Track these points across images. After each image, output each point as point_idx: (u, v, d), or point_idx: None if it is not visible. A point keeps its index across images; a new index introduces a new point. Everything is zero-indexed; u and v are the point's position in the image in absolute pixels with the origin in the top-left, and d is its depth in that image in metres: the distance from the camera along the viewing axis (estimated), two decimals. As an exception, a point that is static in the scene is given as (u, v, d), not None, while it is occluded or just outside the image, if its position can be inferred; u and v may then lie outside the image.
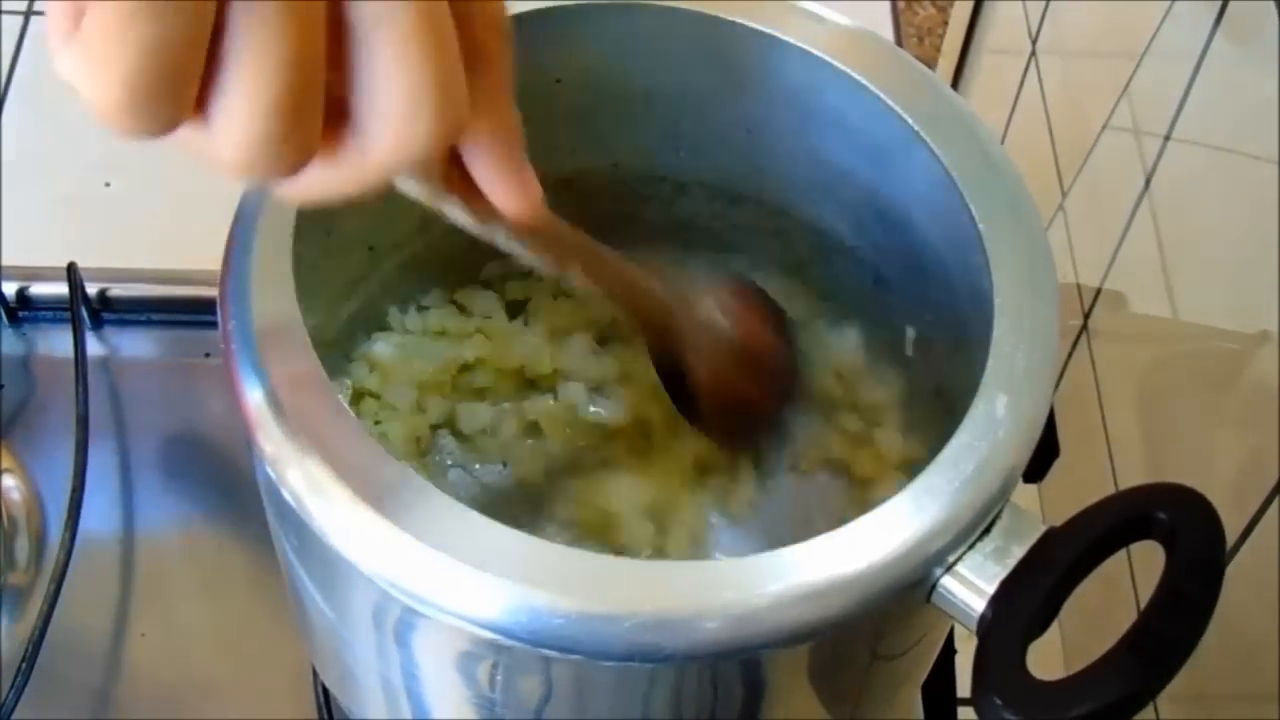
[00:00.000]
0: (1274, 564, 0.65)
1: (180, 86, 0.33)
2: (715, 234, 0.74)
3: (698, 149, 0.70)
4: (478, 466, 0.70)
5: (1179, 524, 0.49)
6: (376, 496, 0.48)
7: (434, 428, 0.70)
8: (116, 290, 0.85)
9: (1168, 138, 0.85)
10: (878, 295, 0.69)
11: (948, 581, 0.49)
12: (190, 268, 0.85)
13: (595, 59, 0.65)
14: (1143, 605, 0.47)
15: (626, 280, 0.61)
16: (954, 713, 0.74)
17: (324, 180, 0.38)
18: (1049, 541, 0.50)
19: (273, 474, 0.49)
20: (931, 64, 1.48)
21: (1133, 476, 0.85)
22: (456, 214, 0.48)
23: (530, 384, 0.72)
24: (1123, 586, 0.78)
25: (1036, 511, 0.51)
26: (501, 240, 0.51)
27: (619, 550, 0.66)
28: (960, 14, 1.40)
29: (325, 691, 0.72)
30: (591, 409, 0.71)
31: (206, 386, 0.82)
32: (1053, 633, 0.50)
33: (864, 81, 0.60)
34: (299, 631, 0.65)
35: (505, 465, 0.69)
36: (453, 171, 0.46)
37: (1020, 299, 0.54)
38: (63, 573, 0.73)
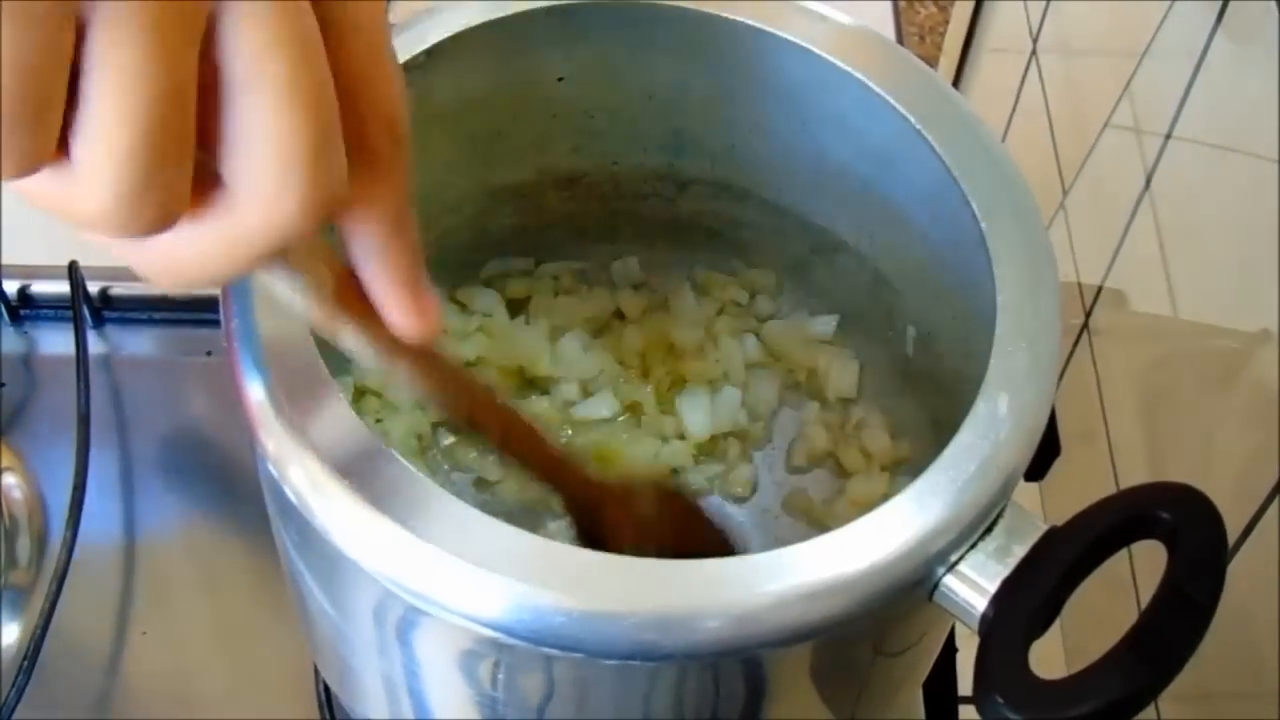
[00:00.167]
0: (1275, 563, 0.65)
1: (37, 115, 0.30)
2: (716, 232, 0.74)
3: (698, 147, 0.70)
4: (479, 464, 0.70)
5: (1180, 523, 0.49)
6: (378, 494, 0.48)
7: (435, 425, 0.70)
8: (118, 288, 0.85)
9: (1169, 136, 0.85)
10: (878, 294, 0.69)
11: (950, 580, 0.49)
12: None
13: (597, 57, 0.65)
14: (1144, 604, 0.47)
15: (546, 453, 0.57)
16: (955, 711, 0.74)
17: (192, 253, 0.35)
18: (1050, 540, 0.50)
19: (274, 472, 0.49)
20: (933, 63, 1.48)
21: (1134, 475, 0.85)
22: (354, 345, 0.45)
23: (530, 383, 0.72)
24: (1124, 586, 0.78)
25: (1038, 511, 0.51)
26: (404, 383, 0.49)
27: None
28: (961, 13, 1.40)
29: (326, 690, 0.72)
30: (586, 408, 0.71)
31: (208, 385, 0.82)
32: (1054, 632, 0.50)
33: (865, 80, 0.60)
34: (300, 630, 0.65)
35: (505, 463, 0.69)
36: (348, 292, 0.43)
37: (1021, 297, 0.54)
38: (64, 571, 0.73)
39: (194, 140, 0.33)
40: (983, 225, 0.56)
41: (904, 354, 0.69)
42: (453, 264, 0.72)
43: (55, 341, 0.84)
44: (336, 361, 0.50)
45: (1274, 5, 0.71)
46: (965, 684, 0.72)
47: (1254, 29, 0.75)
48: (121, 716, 0.73)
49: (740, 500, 0.71)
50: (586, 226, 0.74)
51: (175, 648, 0.75)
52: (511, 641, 0.47)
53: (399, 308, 0.43)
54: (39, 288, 0.85)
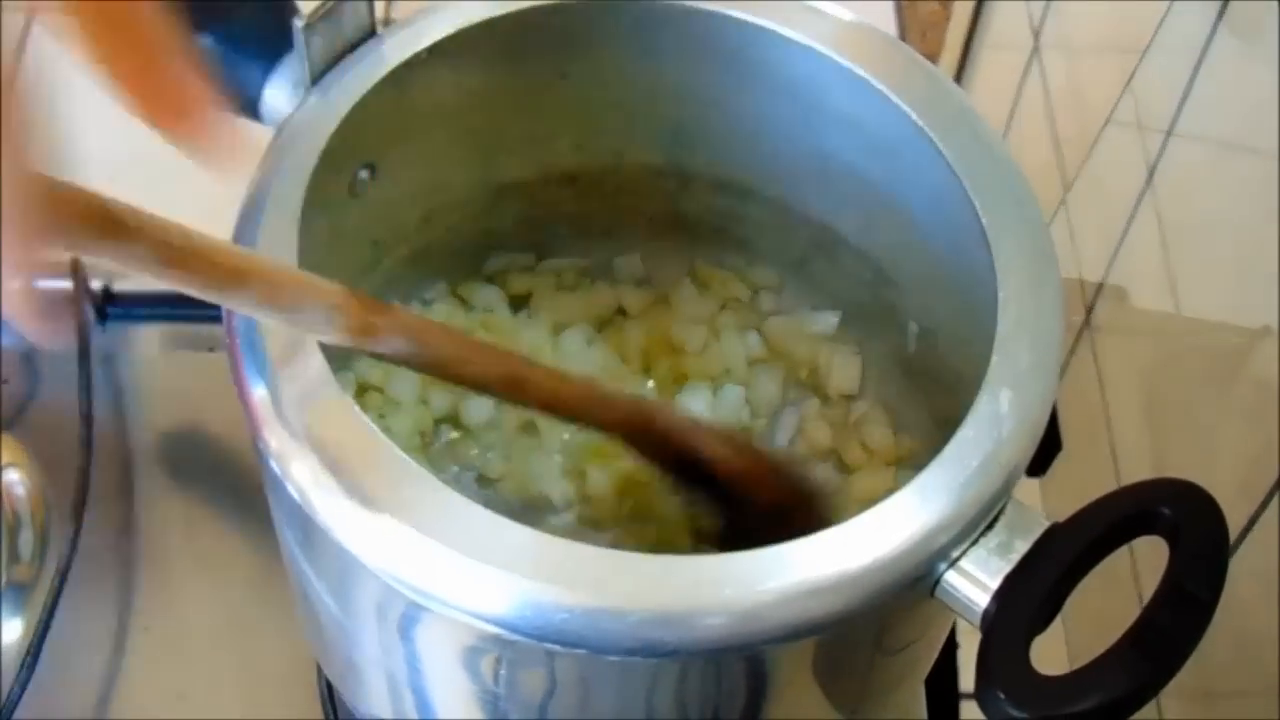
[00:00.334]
0: (1276, 559, 0.65)
1: None
2: (718, 229, 0.74)
3: (701, 144, 0.70)
4: (481, 460, 0.70)
5: (1182, 519, 0.49)
6: (381, 491, 0.48)
7: (438, 421, 0.70)
8: (121, 285, 0.85)
9: (1170, 133, 0.85)
10: (880, 290, 0.69)
11: (951, 577, 0.49)
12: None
13: (600, 54, 0.65)
14: (1146, 601, 0.47)
15: (611, 404, 0.61)
16: (957, 708, 0.74)
17: None
18: (1052, 537, 0.50)
19: (277, 468, 0.49)
20: (934, 59, 1.48)
21: (1136, 472, 0.85)
22: (394, 349, 0.51)
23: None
24: (1126, 582, 0.78)
25: (1039, 507, 0.51)
26: (446, 373, 0.54)
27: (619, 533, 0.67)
28: (963, 9, 1.40)
29: (329, 686, 0.72)
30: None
31: (211, 381, 0.82)
32: (1056, 628, 0.50)
33: (867, 76, 0.60)
34: (303, 626, 0.65)
35: (508, 458, 0.70)
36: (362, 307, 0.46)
37: (1023, 294, 0.54)
38: (67, 567, 0.73)
39: None
40: (984, 221, 0.56)
41: (906, 350, 0.69)
42: (455, 260, 0.72)
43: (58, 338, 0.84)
44: (339, 358, 0.50)
45: (1275, 2, 0.71)
46: (967, 680, 0.72)
47: (1256, 25, 0.75)
48: (124, 713, 0.73)
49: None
50: (589, 223, 0.74)
51: (178, 644, 0.75)
52: (514, 638, 0.47)
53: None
54: (41, 284, 0.85)
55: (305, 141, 0.56)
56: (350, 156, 0.60)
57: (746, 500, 0.64)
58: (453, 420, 0.70)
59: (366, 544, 0.48)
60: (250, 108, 0.61)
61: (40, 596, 0.73)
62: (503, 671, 0.51)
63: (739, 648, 0.48)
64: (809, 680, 0.54)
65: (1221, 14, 0.79)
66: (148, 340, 0.86)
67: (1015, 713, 0.46)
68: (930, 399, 0.68)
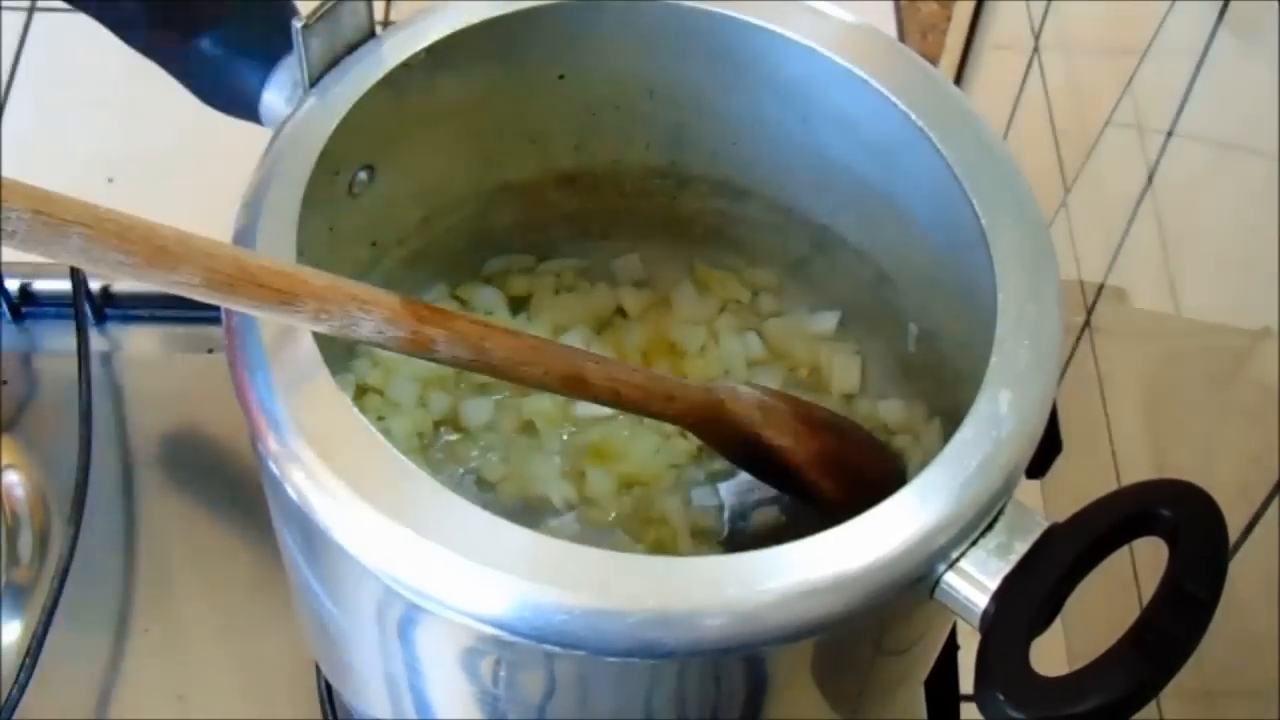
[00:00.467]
0: (1276, 560, 0.65)
1: None
2: (717, 229, 0.74)
3: (700, 144, 0.70)
4: (481, 462, 0.70)
5: (1182, 520, 0.49)
6: (380, 492, 0.48)
7: (437, 424, 0.70)
8: (119, 286, 0.85)
9: (1170, 134, 0.85)
10: (879, 291, 0.69)
11: (951, 578, 0.49)
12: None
13: (598, 54, 0.65)
14: (1145, 602, 0.47)
15: (654, 385, 0.61)
16: (957, 709, 0.74)
17: None
18: (1052, 538, 0.50)
19: (276, 470, 0.49)
20: (934, 60, 1.48)
21: (1135, 472, 0.85)
22: (443, 351, 0.52)
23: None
24: (1126, 583, 0.78)
25: (1039, 508, 0.51)
26: (495, 370, 0.55)
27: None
28: (963, 10, 1.40)
29: (328, 687, 0.72)
30: (588, 405, 0.71)
31: (210, 382, 0.82)
32: (1056, 629, 0.50)
33: (866, 77, 0.60)
34: (302, 627, 0.65)
35: (507, 460, 0.70)
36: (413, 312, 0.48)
37: (1023, 295, 0.54)
38: (66, 569, 0.73)
39: None
40: (984, 223, 0.56)
41: (905, 351, 0.69)
42: (454, 262, 0.72)
43: (57, 339, 0.84)
44: (338, 359, 0.50)
45: (1275, 3, 0.71)
46: (967, 682, 0.71)
47: (1256, 25, 0.75)
48: (123, 714, 0.73)
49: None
50: (588, 224, 0.74)
51: (177, 645, 0.75)
52: (513, 639, 0.47)
53: None
54: (41, 285, 0.85)
55: (304, 142, 0.56)
56: (349, 157, 0.60)
57: (816, 483, 0.64)
58: (452, 422, 0.70)
59: (366, 545, 0.48)
60: (249, 109, 0.61)
61: (40, 598, 0.73)
62: (502, 673, 0.51)
63: (738, 649, 0.48)
64: (808, 681, 0.54)
65: (1222, 15, 0.79)
66: (147, 341, 0.86)
67: (1014, 714, 0.46)
68: (930, 399, 0.68)
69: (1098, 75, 1.03)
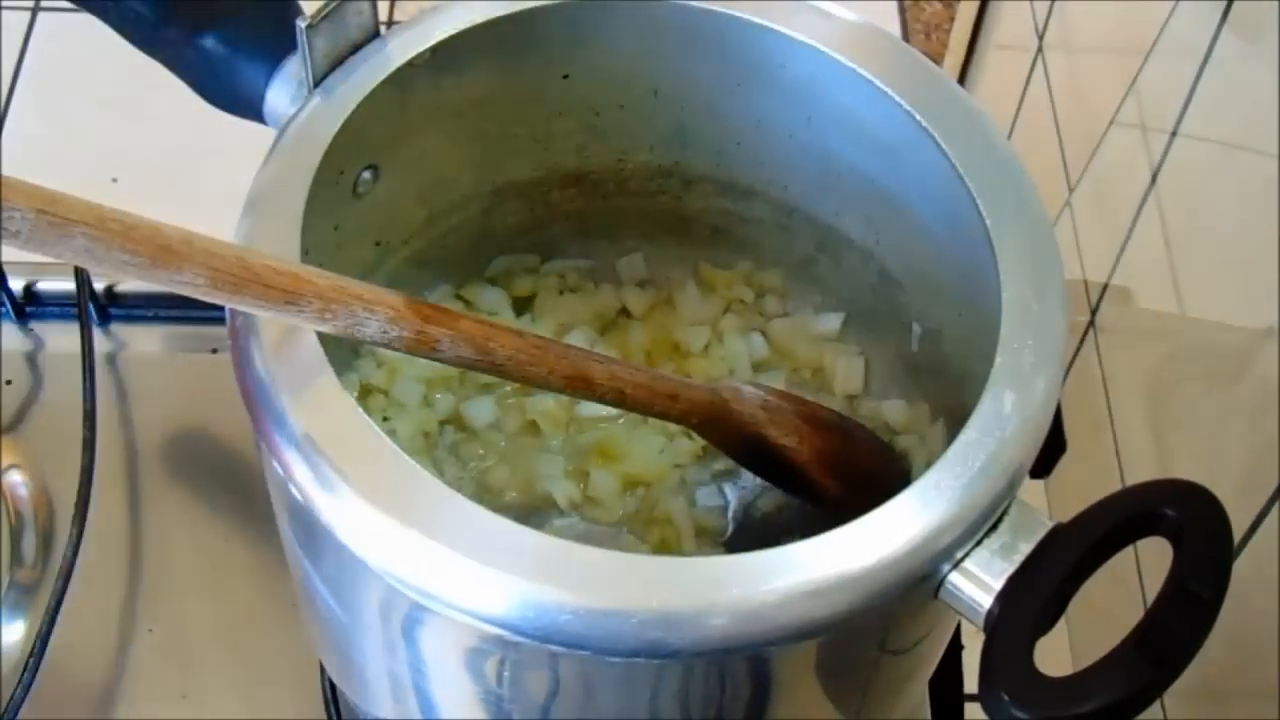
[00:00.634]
0: (1281, 560, 0.65)
1: None
2: (722, 229, 0.74)
3: (704, 144, 0.70)
4: (485, 462, 0.70)
5: (1186, 520, 0.49)
6: (384, 492, 0.48)
7: (441, 423, 0.70)
8: (124, 286, 0.85)
9: (1174, 133, 0.85)
10: (884, 291, 0.69)
11: (955, 578, 0.49)
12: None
13: (603, 54, 0.65)
14: (1150, 602, 0.47)
15: (657, 385, 0.61)
16: (961, 709, 0.74)
17: None
18: (1056, 538, 0.50)
19: (280, 470, 0.49)
20: (938, 60, 1.48)
21: (1140, 472, 0.85)
22: (447, 351, 0.52)
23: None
24: (1130, 583, 0.78)
25: (1043, 508, 0.51)
26: (503, 372, 0.55)
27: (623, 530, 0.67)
28: (967, 10, 1.40)
29: (333, 687, 0.72)
30: (591, 405, 0.71)
31: (214, 382, 0.82)
32: (1060, 629, 0.50)
33: (871, 77, 0.60)
34: (306, 627, 0.65)
35: (511, 460, 0.70)
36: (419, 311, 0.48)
37: (1027, 295, 0.54)
38: (70, 569, 0.73)
39: None
40: (988, 222, 0.56)
41: (910, 351, 0.69)
42: (458, 262, 0.72)
43: (61, 338, 0.84)
44: (342, 359, 0.50)
45: (1278, 3, 0.71)
46: (971, 681, 0.72)
47: (1260, 25, 0.75)
48: (127, 714, 0.73)
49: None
50: (592, 224, 0.74)
51: (181, 645, 0.75)
52: (517, 639, 0.47)
53: None
54: (45, 285, 0.85)
55: (308, 142, 0.56)
56: (353, 157, 0.60)
57: (820, 483, 0.65)
58: (456, 422, 0.70)
59: (370, 545, 0.48)
60: (253, 108, 0.61)
61: (43, 598, 0.73)
62: (506, 673, 0.51)
63: (742, 649, 0.48)
64: (812, 682, 0.54)
65: (1225, 15, 0.79)
66: (151, 341, 0.86)
67: (1019, 714, 0.46)
68: (934, 400, 0.68)
69: (1101, 75, 1.03)
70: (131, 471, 0.80)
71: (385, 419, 0.68)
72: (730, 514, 0.70)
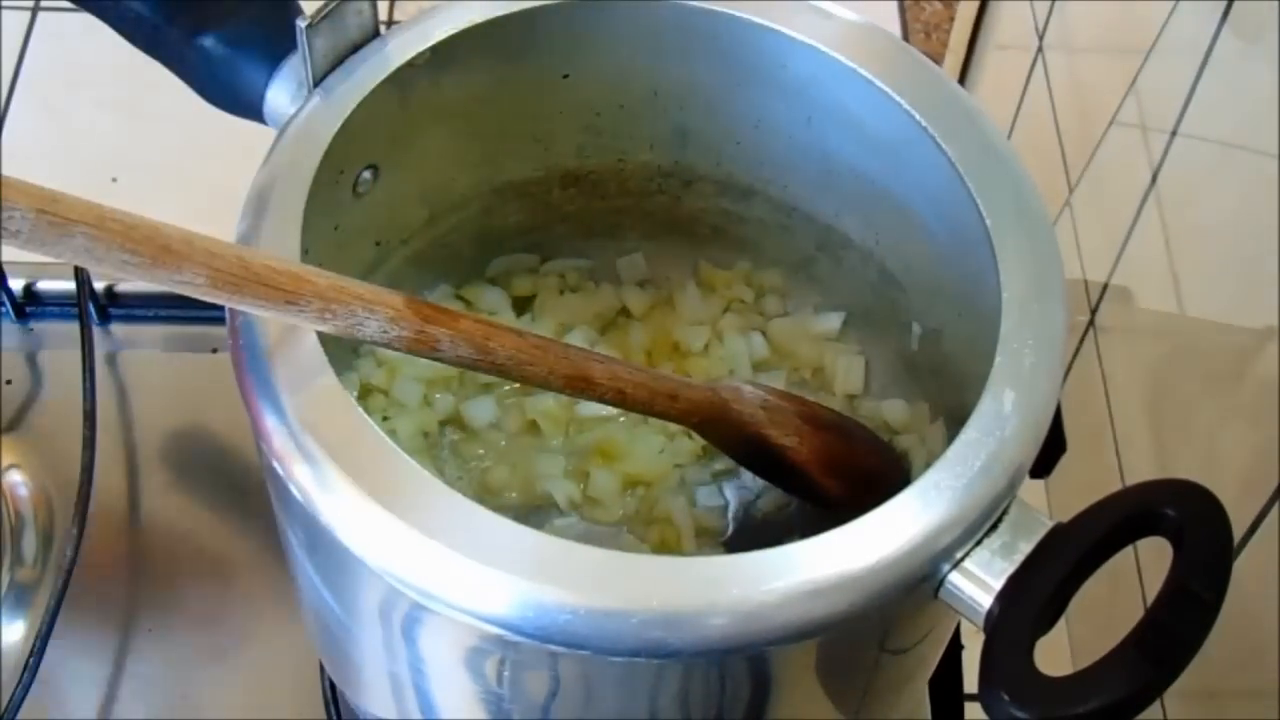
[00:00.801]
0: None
1: None
2: (722, 229, 0.74)
3: (704, 144, 0.70)
4: (485, 461, 0.70)
5: (1186, 520, 0.49)
6: (384, 492, 0.48)
7: (441, 423, 0.70)
8: (124, 285, 0.85)
9: (1174, 133, 0.85)
10: (884, 291, 0.69)
11: (955, 578, 0.49)
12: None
13: (602, 54, 0.65)
14: (1150, 602, 0.47)
15: (655, 385, 0.61)
16: (961, 709, 0.74)
17: None
18: (1056, 537, 0.50)
19: (280, 470, 0.49)
20: (938, 59, 1.48)
21: (1140, 472, 0.85)
22: (447, 350, 0.51)
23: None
24: (1130, 583, 0.78)
25: (1043, 508, 0.51)
26: (504, 371, 0.56)
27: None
28: (967, 10, 1.40)
29: (333, 687, 0.72)
30: (591, 405, 0.71)
31: (213, 382, 0.82)
32: (1060, 629, 0.50)
33: (871, 77, 0.60)
34: (306, 627, 0.65)
35: (511, 460, 0.70)
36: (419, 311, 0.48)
37: (1027, 295, 0.54)
38: (70, 568, 0.73)
39: None
40: (988, 222, 0.56)
41: (909, 351, 0.69)
42: (458, 261, 0.72)
43: (61, 338, 0.84)
44: (342, 359, 0.50)
45: (1278, 4, 0.71)
46: (971, 681, 0.72)
47: (1260, 26, 0.75)
48: (126, 714, 0.73)
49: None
50: (592, 224, 0.74)
51: (180, 645, 0.75)
52: (517, 639, 0.47)
53: None
54: (45, 285, 0.85)
55: (308, 142, 0.56)
56: (353, 157, 0.60)
57: (820, 483, 0.65)
58: (456, 422, 0.70)
59: (370, 545, 0.48)
60: (253, 108, 0.61)
61: (43, 597, 0.73)
62: (506, 673, 0.51)
63: (742, 648, 0.48)
64: (812, 681, 0.54)
65: (1225, 15, 0.79)
66: (151, 340, 0.86)
67: (1019, 714, 0.46)
68: (934, 399, 0.68)
69: (1101, 75, 1.03)
70: (132, 471, 0.80)
71: (385, 419, 0.68)
72: (730, 514, 0.70)
